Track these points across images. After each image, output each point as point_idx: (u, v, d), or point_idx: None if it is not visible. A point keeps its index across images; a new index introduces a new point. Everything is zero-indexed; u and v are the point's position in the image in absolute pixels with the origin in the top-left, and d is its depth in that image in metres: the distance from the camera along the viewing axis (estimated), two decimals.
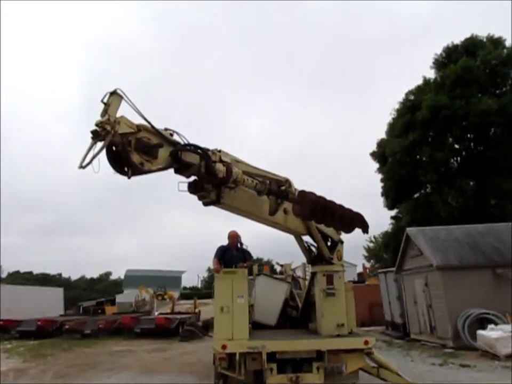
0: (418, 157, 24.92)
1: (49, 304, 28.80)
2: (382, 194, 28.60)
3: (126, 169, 3.95)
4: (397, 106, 27.99)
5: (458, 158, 25.47)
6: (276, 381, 5.47)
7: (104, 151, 3.79)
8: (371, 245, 45.19)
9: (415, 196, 26.99)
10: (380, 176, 29.03)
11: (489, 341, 10.13)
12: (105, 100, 3.79)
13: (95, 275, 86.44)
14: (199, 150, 4.49)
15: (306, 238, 6.80)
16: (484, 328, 11.21)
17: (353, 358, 5.78)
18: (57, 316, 25.27)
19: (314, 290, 6.79)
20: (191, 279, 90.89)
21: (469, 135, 25.57)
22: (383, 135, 29.54)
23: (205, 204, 4.98)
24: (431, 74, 27.84)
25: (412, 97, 26.81)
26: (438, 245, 13.50)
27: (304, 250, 6.75)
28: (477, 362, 9.72)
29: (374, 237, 43.81)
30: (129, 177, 3.98)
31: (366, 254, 45.01)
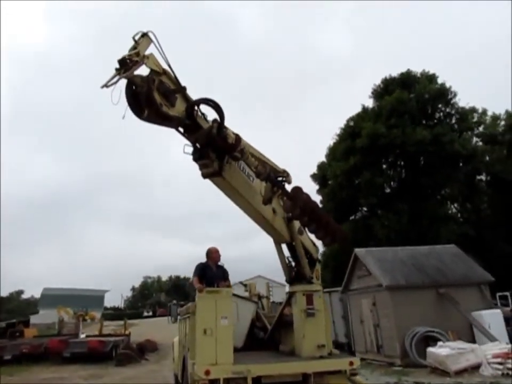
0: (357, 181, 26.06)
1: None
2: None
3: (143, 108, 3.98)
4: (337, 131, 29.35)
5: (393, 183, 27.08)
6: None
7: (124, 88, 3.91)
8: None
9: (352, 218, 28.10)
10: (319, 197, 29.94)
11: (439, 358, 10.54)
12: (136, 38, 3.94)
13: (4, 293, 78.81)
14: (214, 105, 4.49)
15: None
16: (429, 345, 11.71)
17: (337, 380, 5.64)
18: None
19: (291, 310, 6.60)
20: (114, 299, 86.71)
21: (401, 163, 27.39)
22: (322, 158, 30.69)
23: (205, 175, 4.82)
24: (370, 103, 29.65)
25: (351, 124, 28.23)
26: (386, 266, 13.99)
27: (284, 267, 6.54)
28: (429, 379, 10.03)
29: None
30: (144, 118, 4.05)
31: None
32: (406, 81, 27.23)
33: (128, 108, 4.10)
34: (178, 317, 9.33)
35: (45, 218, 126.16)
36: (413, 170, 25.93)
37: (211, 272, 6.15)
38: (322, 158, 30.82)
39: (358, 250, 15.38)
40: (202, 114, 4.67)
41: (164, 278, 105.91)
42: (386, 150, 24.68)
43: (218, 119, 4.53)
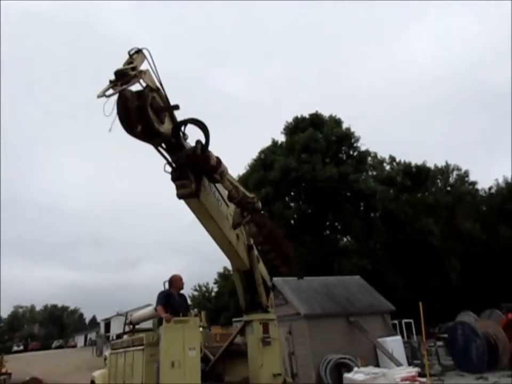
0: (268, 211, 26.98)
1: None
2: None
3: (134, 124, 3.85)
4: (249, 161, 30.33)
5: (299, 216, 28.57)
6: None
7: (115, 102, 3.74)
8: (195, 293, 45.54)
9: None
10: None
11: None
12: (131, 53, 3.98)
13: None
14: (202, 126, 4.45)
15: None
16: (341, 371, 12.43)
17: None
18: None
19: (246, 339, 6.62)
20: None
21: (302, 197, 29.20)
22: None
23: (181, 196, 4.71)
24: (281, 138, 31.35)
25: (263, 156, 29.43)
26: (302, 295, 14.62)
27: (242, 294, 6.57)
28: None
29: (199, 285, 44.57)
30: (136, 133, 3.90)
31: (189, 302, 44.71)
32: (316, 121, 29.48)
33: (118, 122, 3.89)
34: (108, 350, 8.61)
35: None
36: (318, 205, 27.74)
37: (175, 301, 5.89)
38: None
39: (275, 280, 15.74)
40: (184, 134, 4.66)
41: (38, 308, 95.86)
42: (296, 183, 26.15)
43: (203, 140, 4.50)
